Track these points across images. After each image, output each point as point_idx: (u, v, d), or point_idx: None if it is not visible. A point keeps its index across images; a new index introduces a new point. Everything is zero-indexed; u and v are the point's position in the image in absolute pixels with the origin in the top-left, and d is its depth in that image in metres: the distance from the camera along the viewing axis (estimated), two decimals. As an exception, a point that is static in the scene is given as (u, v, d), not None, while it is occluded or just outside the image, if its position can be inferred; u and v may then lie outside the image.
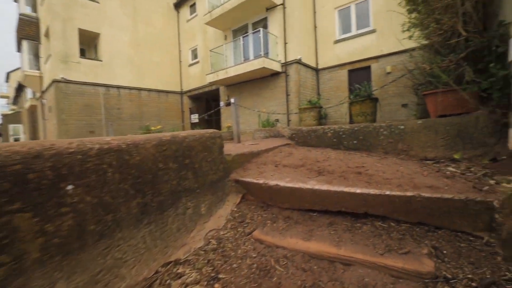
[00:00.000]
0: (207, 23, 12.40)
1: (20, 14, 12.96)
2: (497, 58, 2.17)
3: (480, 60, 2.28)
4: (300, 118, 4.96)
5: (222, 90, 13.60)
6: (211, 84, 13.61)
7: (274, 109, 11.08)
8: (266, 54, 10.65)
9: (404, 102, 9.42)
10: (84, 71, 12.07)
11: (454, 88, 2.33)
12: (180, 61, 16.33)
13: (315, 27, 11.76)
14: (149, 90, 14.60)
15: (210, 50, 12.29)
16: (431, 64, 2.59)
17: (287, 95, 10.55)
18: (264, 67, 9.84)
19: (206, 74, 12.43)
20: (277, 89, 11.01)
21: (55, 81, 11.34)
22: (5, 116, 28.67)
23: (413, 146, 2.32)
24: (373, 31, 10.14)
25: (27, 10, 14.13)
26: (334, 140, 2.96)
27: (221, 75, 11.58)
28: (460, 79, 2.54)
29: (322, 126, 3.16)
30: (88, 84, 12.20)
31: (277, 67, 10.59)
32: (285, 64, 10.62)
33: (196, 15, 14.93)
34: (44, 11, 11.98)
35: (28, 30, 13.12)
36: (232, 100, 5.30)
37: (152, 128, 10.50)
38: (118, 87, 13.26)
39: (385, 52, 9.85)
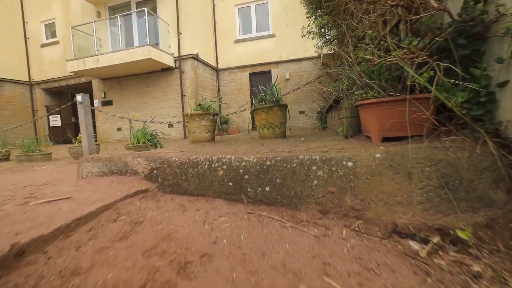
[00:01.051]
0: (67, -12, 8.97)
1: None
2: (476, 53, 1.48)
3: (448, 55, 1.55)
4: (188, 129, 3.50)
5: (96, 85, 10.33)
6: (76, 74, 10.07)
7: (166, 112, 9.12)
8: (156, 45, 8.57)
9: (301, 109, 9.58)
10: None
11: (424, 95, 1.51)
12: (27, 38, 11.50)
13: (215, 22, 10.57)
14: (-37, 74, 9.39)
15: (72, 27, 8.93)
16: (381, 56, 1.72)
17: (183, 95, 8.84)
18: (150, 59, 7.76)
19: (67, 60, 8.98)
20: (170, 88, 9.10)
21: None
22: None
23: (371, 202, 1.39)
24: (272, 36, 9.89)
25: None
26: (230, 184, 1.72)
27: (90, 64, 8.56)
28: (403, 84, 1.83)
29: (208, 157, 1.82)
30: None
31: (168, 60, 8.69)
32: (179, 59, 8.87)
33: (51, -24, 10.79)
34: None
35: None
36: (79, 98, 3.26)
37: None
38: None
39: (284, 58, 9.78)
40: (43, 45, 11.35)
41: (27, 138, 5.30)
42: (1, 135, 10.32)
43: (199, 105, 3.70)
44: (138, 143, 3.62)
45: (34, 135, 11.60)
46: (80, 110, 3.24)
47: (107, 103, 10.15)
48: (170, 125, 9.07)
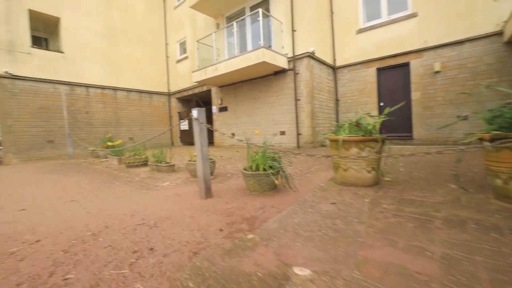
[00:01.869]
0: (194, 7, 9.83)
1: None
2: None
3: None
4: (335, 163, 2.23)
5: (215, 92, 11.03)
6: (199, 84, 11.06)
7: (278, 118, 8.50)
8: (269, 47, 8.05)
9: (461, 112, 6.75)
10: (39, 65, 9.57)
11: None
12: (167, 57, 13.79)
13: (332, 12, 9.13)
14: (128, 90, 12.07)
15: (197, 41, 9.70)
16: None
17: (297, 100, 7.94)
18: (264, 62, 7.24)
19: (193, 72, 9.87)
20: (282, 92, 8.41)
21: (-3, 77, 8.86)
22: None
23: None
24: (413, 15, 7.48)
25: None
26: None
27: (210, 73, 9.01)
28: None
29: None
30: (45, 81, 9.70)
31: (282, 62, 7.98)
32: (293, 59, 8.01)
33: (184, 0, 12.35)
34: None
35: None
36: (194, 114, 2.72)
37: (110, 143, 7.97)
38: (87, 86, 10.75)
39: (433, 43, 7.19)
40: (177, 61, 13.26)
41: (164, 145, 5.72)
42: (144, 139, 12.91)
43: (357, 123, 2.44)
44: (257, 169, 2.80)
45: (170, 137, 13.82)
46: (196, 127, 2.70)
47: (223, 109, 10.62)
48: (282, 133, 8.38)
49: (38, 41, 11.33)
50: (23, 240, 2.06)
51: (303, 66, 7.81)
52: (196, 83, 11.68)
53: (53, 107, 9.91)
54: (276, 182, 2.77)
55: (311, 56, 7.80)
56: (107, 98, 11.38)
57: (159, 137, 12.89)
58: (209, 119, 11.92)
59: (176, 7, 13.03)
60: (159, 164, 5.01)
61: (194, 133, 2.81)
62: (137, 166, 5.99)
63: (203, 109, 2.77)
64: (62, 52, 10.21)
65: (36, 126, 9.52)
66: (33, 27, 10.18)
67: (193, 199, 2.94)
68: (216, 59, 9.34)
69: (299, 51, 7.94)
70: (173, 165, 5.03)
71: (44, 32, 11.50)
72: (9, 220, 2.69)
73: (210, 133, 11.90)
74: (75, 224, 2.38)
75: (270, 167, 2.77)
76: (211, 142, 11.88)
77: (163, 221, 2.29)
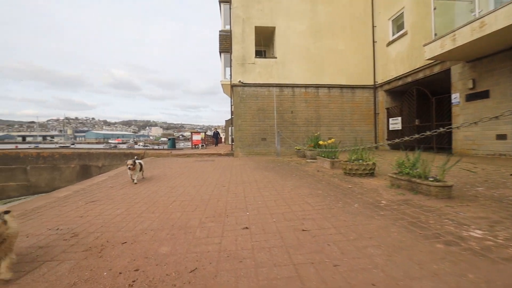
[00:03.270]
0: None
1: (220, 31, 14.36)
2: None
3: None
4: None
5: (458, 72, 7.28)
6: (432, 62, 7.76)
7: None
8: None
9: None
10: (258, 71, 10.81)
11: None
12: (375, 42, 11.45)
13: None
14: (329, 86, 11.15)
15: (438, -4, 6.55)
16: None
17: None
18: None
19: (424, 45, 6.87)
20: None
21: (234, 86, 10.86)
22: (227, 120, 37.76)
23: None
24: None
25: (227, 27, 15.72)
26: None
27: (465, 36, 5.62)
28: None
29: None
30: (262, 85, 10.81)
31: None
32: None
33: (405, -41, 9.40)
34: (232, 19, 12.03)
35: (225, 44, 14.39)
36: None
37: (322, 142, 6.84)
38: (292, 85, 10.95)
39: None
40: (389, 43, 10.56)
41: (363, 147, 3.62)
42: (344, 140, 11.24)
43: None
44: None
45: (373, 138, 11.44)
46: None
47: (478, 95, 6.67)
48: None
49: (259, 54, 13.19)
50: None
51: None
52: (422, 65, 8.44)
53: (268, 108, 10.84)
54: None
55: None
56: (309, 96, 11.03)
57: (358, 138, 10.90)
58: (441, 113, 8.21)
59: (389, -24, 10.39)
60: (417, 181, 2.88)
61: None
62: (360, 175, 4.25)
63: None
64: (275, 58, 10.99)
65: (254, 125, 10.79)
66: (256, 43, 11.78)
67: None
68: (469, 18, 5.76)
69: None
70: (450, 186, 2.69)
71: (264, 46, 13.23)
72: (230, 249, 1.66)
73: (448, 139, 8.17)
74: None
75: None
76: (442, 147, 8.12)
77: None
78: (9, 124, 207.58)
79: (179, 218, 2.56)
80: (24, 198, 10.04)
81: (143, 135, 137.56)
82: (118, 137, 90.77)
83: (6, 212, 1.50)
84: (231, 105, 16.59)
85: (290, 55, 10.98)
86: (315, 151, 6.75)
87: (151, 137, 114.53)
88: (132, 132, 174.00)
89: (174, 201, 3.26)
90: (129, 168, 4.58)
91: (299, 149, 8.66)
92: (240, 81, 10.69)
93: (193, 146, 16.02)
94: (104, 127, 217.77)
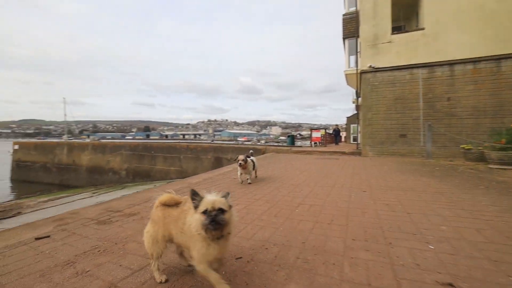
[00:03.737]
0: None
1: (343, 15, 12.73)
2: None
3: None
4: None
5: None
6: None
7: None
8: None
9: None
10: (396, 51, 8.59)
11: None
12: None
13: None
14: (519, 57, 7.36)
15: None
16: None
17: None
18: None
19: None
20: None
21: (362, 73, 9.19)
22: (348, 117, 34.45)
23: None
24: None
25: (351, 9, 13.72)
26: None
27: None
28: None
29: None
30: (401, 68, 8.52)
31: None
32: None
33: None
34: (361, -5, 10.23)
35: (349, 28, 12.58)
36: None
37: None
38: (450, 62, 7.99)
39: None
40: None
41: None
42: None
43: None
44: None
45: None
46: None
47: None
48: None
49: (396, 30, 10.68)
50: None
51: None
52: None
53: (409, 96, 8.46)
54: None
55: None
56: (482, 74, 7.66)
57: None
58: None
59: None
60: None
61: None
62: None
63: None
64: (422, 29, 8.37)
65: (390, 119, 8.69)
66: (392, 17, 9.48)
67: None
68: None
69: None
70: None
71: (403, 19, 10.61)
72: None
73: None
74: None
75: None
76: None
77: None
78: (176, 126, 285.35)
79: (310, 231, 1.79)
80: (171, 180, 12.57)
81: (264, 134, 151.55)
82: (244, 136, 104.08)
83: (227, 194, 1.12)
84: (357, 98, 14.63)
85: (448, 21, 8.04)
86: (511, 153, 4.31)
87: (271, 136, 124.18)
88: (256, 131, 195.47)
89: (300, 203, 2.55)
90: (240, 165, 3.58)
91: (468, 149, 6.06)
92: (370, 66, 8.90)
93: (313, 144, 15.30)
94: (234, 127, 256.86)
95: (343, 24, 12.74)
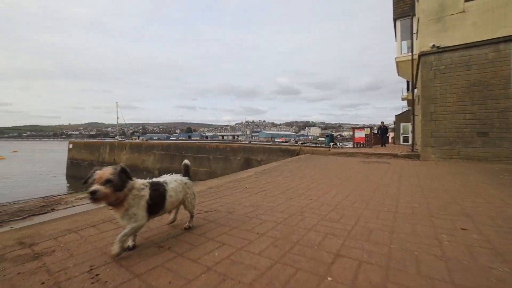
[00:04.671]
0: None
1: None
2: None
3: None
4: None
5: None
6: None
7: None
8: None
9: None
10: (473, 23, 6.55)
11: None
12: None
13: None
14: None
15: None
16: None
17: None
18: None
19: None
20: None
21: (422, 55, 7.30)
22: (397, 115, 30.47)
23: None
24: None
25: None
26: None
27: None
28: None
29: None
30: (480, 44, 6.46)
31: None
32: None
33: None
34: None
35: (402, 6, 10.46)
36: None
37: None
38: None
39: None
40: None
41: None
42: None
43: None
44: None
45: None
46: None
47: None
48: None
49: None
50: None
51: None
52: None
53: (492, 81, 6.36)
54: None
55: None
56: None
57: None
58: None
59: None
60: None
61: None
62: None
63: None
64: (513, -10, 6.21)
65: (463, 112, 6.68)
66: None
67: None
68: None
69: None
70: None
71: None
72: None
73: None
74: None
75: None
76: None
77: None
78: (215, 127, 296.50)
79: None
80: (198, 182, 12.00)
81: (302, 135, 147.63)
82: (282, 137, 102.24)
83: None
84: (412, 90, 12.34)
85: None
86: None
87: (309, 137, 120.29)
88: (293, 132, 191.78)
89: (340, 253, 1.32)
90: (92, 199, 1.25)
91: None
92: (434, 45, 6.98)
93: (355, 145, 13.39)
94: (272, 128, 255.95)
95: (394, 2, 10.71)
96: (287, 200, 2.58)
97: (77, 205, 9.26)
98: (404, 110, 28.49)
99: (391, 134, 28.25)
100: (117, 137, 45.92)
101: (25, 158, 32.54)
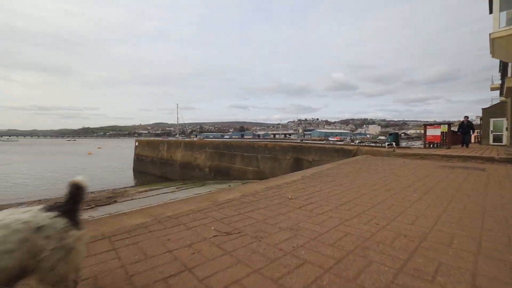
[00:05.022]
0: None
1: None
2: None
3: None
4: None
5: None
6: None
7: None
8: None
9: None
10: None
11: None
12: None
13: None
14: None
15: None
16: None
17: None
18: None
19: None
20: None
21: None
22: (485, 109, 24.85)
23: None
24: None
25: None
26: None
27: None
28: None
29: None
30: None
31: None
32: None
33: None
34: None
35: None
36: None
37: None
38: None
39: None
40: None
41: None
42: None
43: None
44: None
45: None
46: None
47: None
48: None
49: None
50: None
51: None
52: None
53: None
54: None
55: None
56: None
57: None
58: None
59: None
60: None
61: None
62: None
63: None
64: None
65: None
66: None
67: None
68: None
69: None
70: None
71: None
72: None
73: None
74: None
75: None
76: None
77: None
78: (267, 126, 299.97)
79: None
80: (247, 181, 11.67)
81: (359, 133, 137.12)
82: (336, 135, 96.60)
83: None
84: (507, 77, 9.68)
85: None
86: None
87: (368, 135, 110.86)
88: (349, 130, 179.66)
89: None
90: None
91: None
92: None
93: (427, 145, 11.21)
94: (325, 126, 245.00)
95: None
96: (341, 222, 1.83)
97: (136, 198, 9.93)
98: (494, 103, 23.11)
99: (474, 133, 23.30)
100: (177, 135, 50.13)
101: (106, 153, 38.41)
